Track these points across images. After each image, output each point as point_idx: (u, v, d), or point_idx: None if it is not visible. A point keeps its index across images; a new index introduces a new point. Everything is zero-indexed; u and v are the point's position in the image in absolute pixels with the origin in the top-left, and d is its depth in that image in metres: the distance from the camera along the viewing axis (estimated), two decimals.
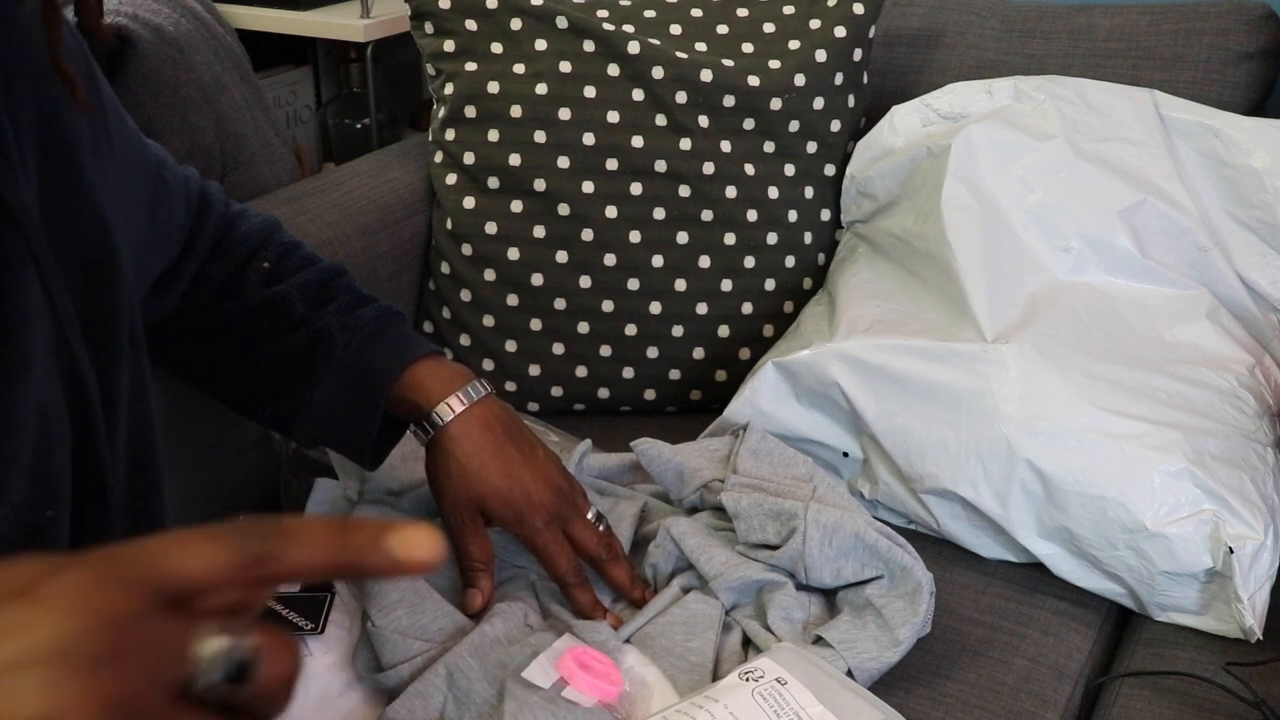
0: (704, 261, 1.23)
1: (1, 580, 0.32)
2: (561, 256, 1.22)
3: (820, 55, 1.24)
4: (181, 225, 0.84)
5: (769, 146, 1.24)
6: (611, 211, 1.22)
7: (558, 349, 1.24)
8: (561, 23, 1.23)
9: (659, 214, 1.23)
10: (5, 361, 0.52)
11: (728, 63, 1.22)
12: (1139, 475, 0.93)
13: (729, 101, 1.22)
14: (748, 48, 1.25)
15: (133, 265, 0.67)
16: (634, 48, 1.22)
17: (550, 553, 0.85)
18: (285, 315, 0.86)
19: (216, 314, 0.86)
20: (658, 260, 1.23)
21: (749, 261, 1.24)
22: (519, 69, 1.23)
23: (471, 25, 1.25)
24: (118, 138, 0.69)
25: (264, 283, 0.87)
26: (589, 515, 0.88)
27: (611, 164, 1.22)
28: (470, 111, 1.24)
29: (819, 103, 1.24)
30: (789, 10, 1.28)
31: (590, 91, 1.22)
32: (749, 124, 1.23)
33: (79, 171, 0.62)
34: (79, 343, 0.57)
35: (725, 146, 1.23)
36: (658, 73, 1.21)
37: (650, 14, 1.27)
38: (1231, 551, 0.89)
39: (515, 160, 1.22)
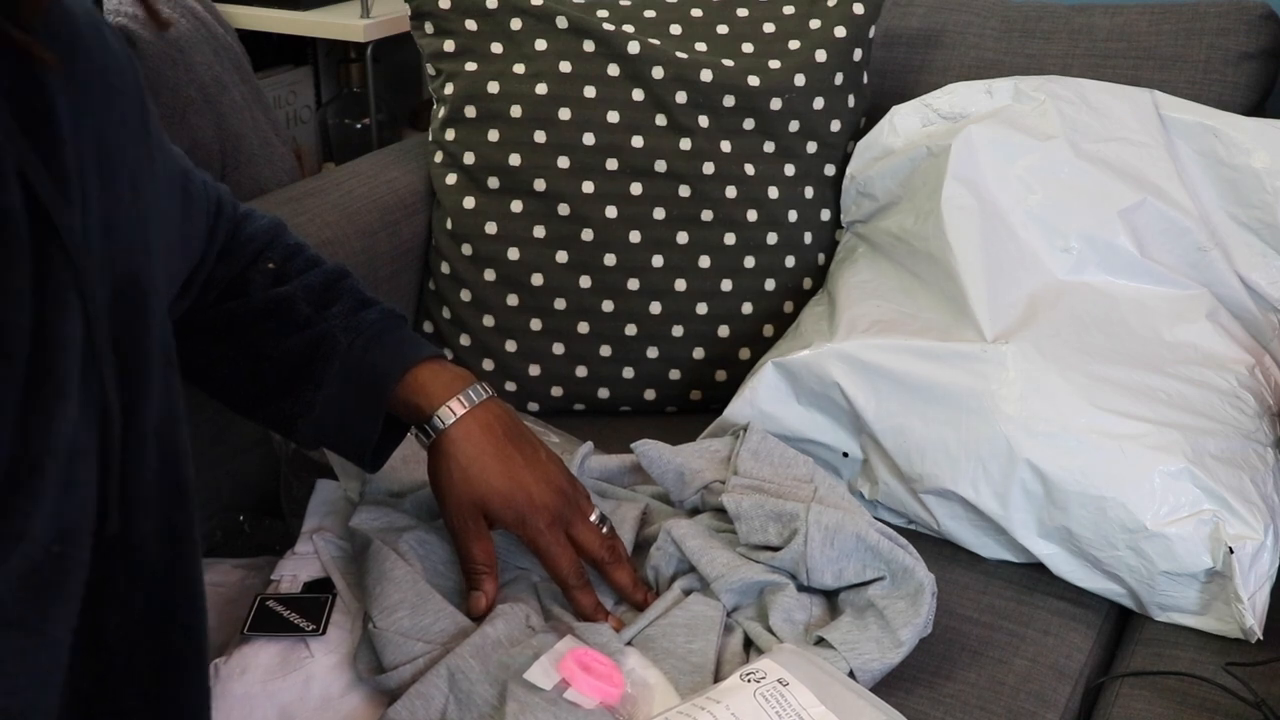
0: (704, 261, 1.23)
1: None
2: (561, 256, 1.22)
3: (820, 55, 1.24)
4: (202, 235, 0.84)
5: (769, 146, 1.24)
6: (611, 211, 1.22)
7: (558, 349, 1.24)
8: (561, 23, 1.23)
9: (659, 214, 1.23)
10: (43, 394, 0.51)
11: (728, 63, 1.22)
12: (1139, 475, 0.93)
13: (729, 101, 1.22)
14: (748, 48, 1.25)
15: (165, 283, 0.66)
16: (634, 48, 1.22)
17: (553, 554, 0.85)
18: (290, 316, 0.86)
19: (220, 314, 0.86)
20: (658, 260, 1.23)
21: (749, 261, 1.24)
22: (519, 69, 1.23)
23: (471, 25, 1.25)
24: (158, 156, 0.68)
25: (269, 283, 0.87)
26: (592, 517, 0.88)
27: (611, 164, 1.22)
28: (470, 111, 1.24)
29: (819, 103, 1.24)
30: (789, 10, 1.28)
31: (590, 91, 1.22)
32: (749, 124, 1.23)
33: (125, 198, 0.61)
34: (110, 376, 0.56)
35: (725, 146, 1.23)
36: (658, 73, 1.21)
37: (650, 14, 1.27)
38: (1231, 551, 0.89)
39: (515, 160, 1.22)
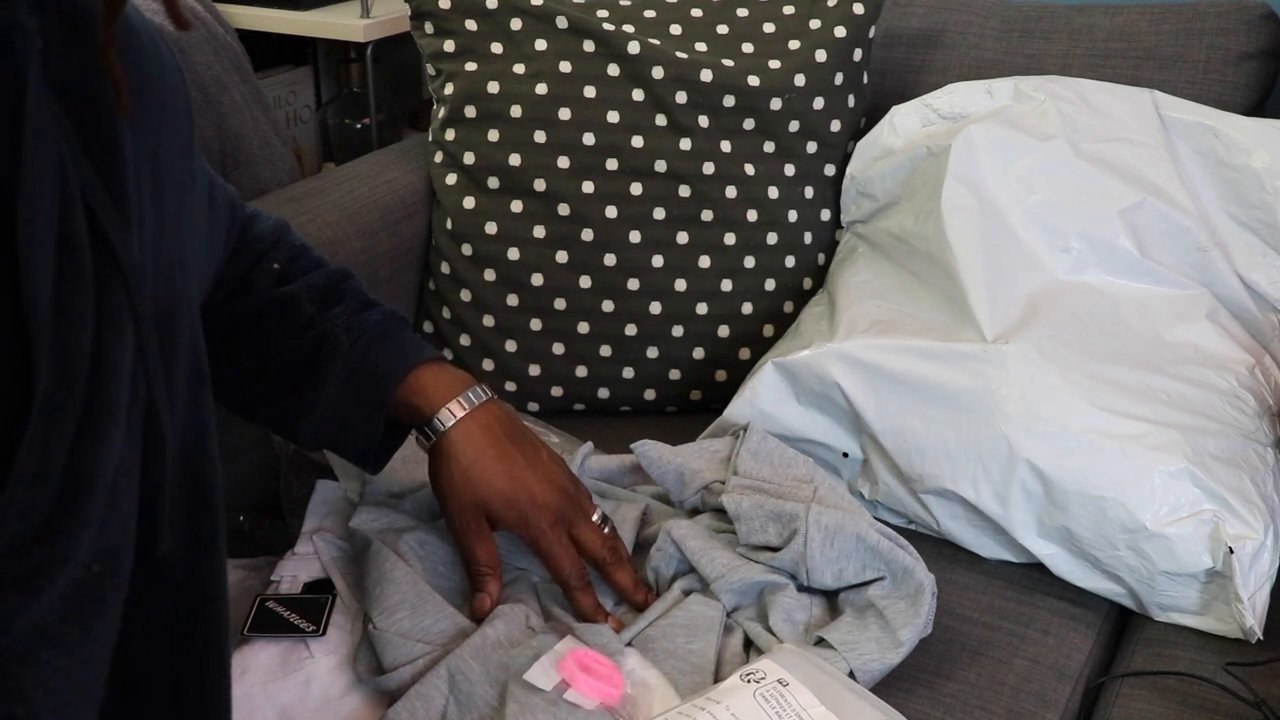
0: (704, 261, 1.23)
1: None
2: (561, 256, 1.22)
3: (820, 55, 1.24)
4: (222, 245, 0.84)
5: (769, 146, 1.24)
6: (611, 211, 1.22)
7: (558, 349, 1.24)
8: (561, 23, 1.23)
9: (659, 214, 1.23)
10: (94, 417, 0.51)
11: (728, 63, 1.22)
12: (1139, 475, 0.93)
13: (729, 101, 1.22)
14: (748, 48, 1.25)
15: (195, 295, 0.66)
16: (634, 48, 1.22)
17: (555, 554, 0.85)
18: (293, 315, 0.86)
19: (225, 314, 0.86)
20: (658, 260, 1.23)
21: (749, 261, 1.24)
22: (519, 69, 1.23)
23: (471, 25, 1.25)
24: (197, 173, 0.68)
25: (273, 283, 0.87)
26: (594, 517, 0.88)
27: (611, 164, 1.22)
28: (470, 111, 1.24)
29: (819, 103, 1.24)
30: (789, 10, 1.28)
31: (590, 91, 1.22)
32: (749, 124, 1.23)
33: (170, 215, 0.61)
34: (163, 399, 0.56)
35: (725, 146, 1.23)
36: (658, 73, 1.21)
37: (650, 14, 1.27)
38: (1231, 551, 0.89)
39: (515, 160, 1.22)
